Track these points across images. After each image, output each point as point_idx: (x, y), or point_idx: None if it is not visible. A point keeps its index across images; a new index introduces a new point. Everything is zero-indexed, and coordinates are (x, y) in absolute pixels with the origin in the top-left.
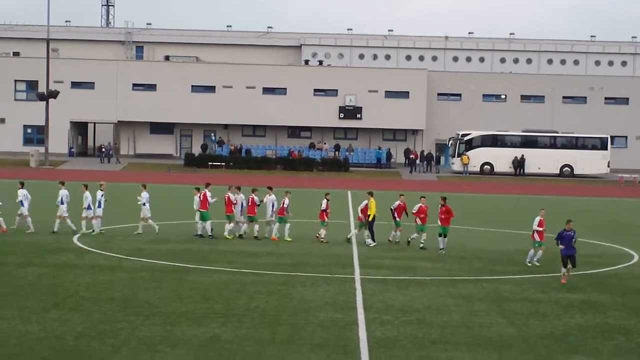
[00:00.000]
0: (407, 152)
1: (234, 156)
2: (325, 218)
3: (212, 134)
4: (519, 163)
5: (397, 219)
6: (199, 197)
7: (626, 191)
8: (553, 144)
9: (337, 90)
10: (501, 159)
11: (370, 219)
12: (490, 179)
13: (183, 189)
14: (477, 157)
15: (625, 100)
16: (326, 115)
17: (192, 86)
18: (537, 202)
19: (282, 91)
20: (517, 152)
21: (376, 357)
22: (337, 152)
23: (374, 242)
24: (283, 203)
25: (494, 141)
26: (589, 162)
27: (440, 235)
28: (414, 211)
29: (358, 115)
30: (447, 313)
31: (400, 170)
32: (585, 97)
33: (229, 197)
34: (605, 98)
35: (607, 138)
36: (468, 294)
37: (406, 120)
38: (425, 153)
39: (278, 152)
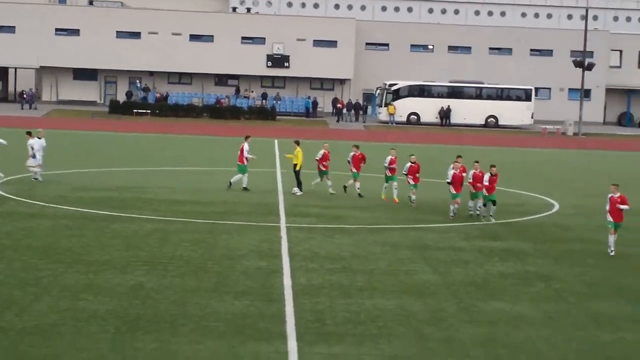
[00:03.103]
0: (334, 102)
1: (160, 104)
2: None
3: (138, 81)
4: (444, 113)
5: (355, 171)
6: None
7: (549, 142)
8: (478, 94)
9: (264, 38)
10: (427, 109)
11: (298, 168)
12: (416, 128)
13: (107, 136)
14: (404, 107)
15: (549, 53)
16: (254, 63)
17: (117, 32)
18: (462, 151)
19: (209, 38)
20: (443, 103)
21: (300, 305)
22: (264, 101)
23: (301, 191)
24: (241, 149)
25: (421, 91)
26: (513, 113)
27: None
28: (386, 164)
29: (286, 64)
30: (373, 261)
31: (328, 120)
32: (511, 49)
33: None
34: (531, 50)
35: (531, 89)
36: (394, 242)
37: (334, 70)
38: (352, 102)
39: (205, 100)
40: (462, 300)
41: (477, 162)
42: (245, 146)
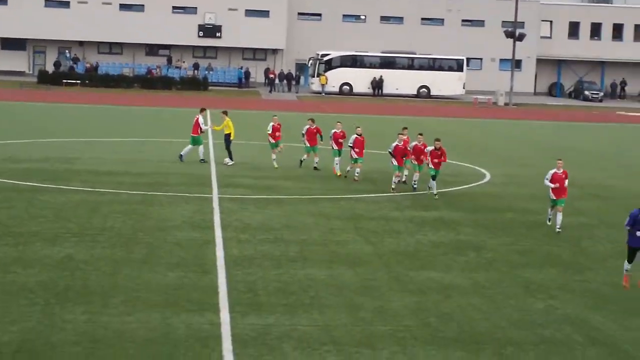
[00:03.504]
0: (266, 72)
1: (90, 74)
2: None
3: (67, 52)
4: (377, 84)
5: (308, 145)
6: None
7: (480, 112)
8: (411, 65)
9: (196, 8)
10: (360, 79)
11: (232, 137)
12: (348, 99)
13: (36, 107)
14: (336, 77)
15: (481, 23)
16: (185, 33)
17: (46, 1)
18: (395, 122)
19: (140, 8)
20: (376, 73)
21: (233, 275)
22: (196, 71)
23: (232, 161)
24: (196, 120)
25: (353, 62)
26: (445, 83)
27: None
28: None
29: (218, 34)
30: (305, 231)
31: (260, 90)
32: (443, 19)
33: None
34: (462, 20)
35: (463, 60)
36: (326, 213)
37: (266, 40)
38: (285, 73)
39: (136, 70)
40: (394, 270)
41: (420, 134)
42: (200, 118)
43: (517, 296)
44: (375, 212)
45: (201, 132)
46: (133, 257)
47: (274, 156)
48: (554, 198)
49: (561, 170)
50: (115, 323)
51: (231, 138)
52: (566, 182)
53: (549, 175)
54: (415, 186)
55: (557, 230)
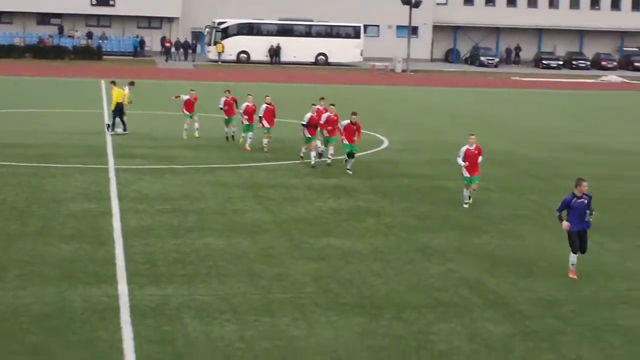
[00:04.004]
0: (162, 41)
1: None
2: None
3: None
4: (274, 51)
5: (226, 117)
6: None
7: (378, 79)
8: (308, 32)
9: None
10: (257, 47)
11: (113, 107)
12: (246, 67)
13: None
14: (233, 45)
15: None
16: (77, 1)
17: None
18: (293, 89)
19: None
20: (273, 41)
21: (130, 246)
22: (90, 40)
23: (125, 131)
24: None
25: (250, 29)
26: (342, 51)
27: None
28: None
29: (111, 2)
30: (202, 200)
31: (156, 59)
32: None
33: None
34: None
35: (360, 27)
36: (224, 182)
37: (161, 8)
38: (181, 41)
39: (27, 40)
40: (294, 237)
41: (332, 104)
42: (126, 90)
43: (415, 261)
44: (274, 180)
45: (128, 103)
46: (27, 231)
47: (197, 125)
48: (468, 176)
49: (474, 147)
50: (9, 297)
51: (116, 107)
52: (480, 158)
53: (461, 152)
54: (329, 161)
55: (465, 204)
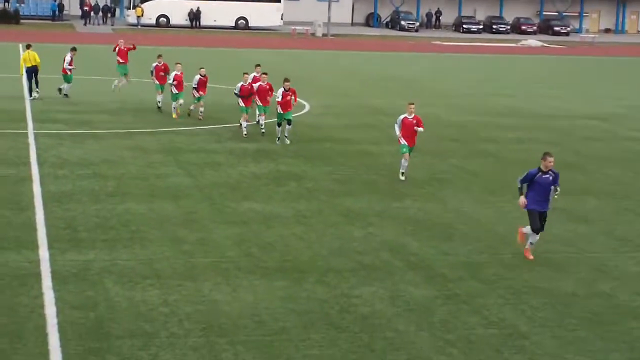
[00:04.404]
0: (81, 4)
1: None
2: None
3: None
4: (194, 15)
5: (157, 82)
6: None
7: (299, 43)
8: None
9: None
10: (177, 11)
11: (25, 70)
12: (166, 31)
13: None
14: (153, 9)
15: None
16: None
17: None
18: (213, 54)
19: None
20: (193, 4)
21: (51, 212)
22: (7, 4)
23: (37, 94)
24: (64, 60)
25: None
26: (263, 15)
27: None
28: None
29: None
30: (123, 165)
31: (75, 23)
32: None
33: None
34: None
35: None
36: (145, 147)
37: None
38: (100, 5)
39: None
40: (216, 202)
41: (265, 73)
42: (67, 57)
43: (337, 224)
44: (195, 145)
45: (69, 71)
46: None
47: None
48: (405, 144)
49: (412, 116)
50: None
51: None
52: (420, 129)
53: (399, 121)
54: (263, 130)
55: (402, 177)
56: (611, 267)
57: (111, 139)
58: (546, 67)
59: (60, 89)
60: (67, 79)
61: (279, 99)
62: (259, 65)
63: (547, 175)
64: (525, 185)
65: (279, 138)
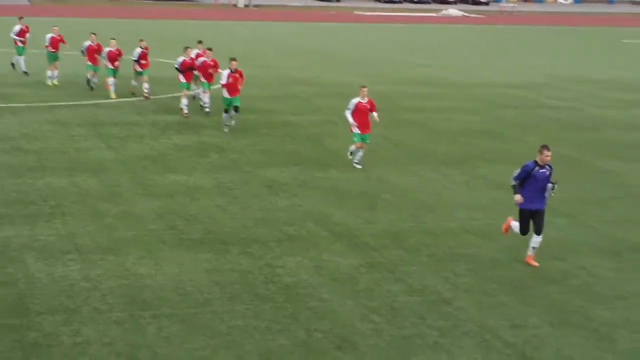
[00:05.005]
0: None
1: None
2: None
3: None
4: None
5: (89, 64)
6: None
7: (220, 14)
8: None
9: None
10: None
11: None
12: (82, 1)
13: None
14: None
15: None
16: None
17: None
18: (131, 25)
19: None
20: None
21: None
22: None
23: None
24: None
25: None
26: None
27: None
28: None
29: None
30: (43, 139)
31: None
32: None
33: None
34: None
35: None
36: (65, 120)
37: None
38: None
39: None
40: (138, 175)
41: (210, 49)
42: (16, 28)
43: (262, 195)
44: (116, 118)
45: (20, 43)
46: None
47: (49, 73)
48: (359, 133)
49: (366, 100)
50: None
51: None
52: (374, 113)
53: (351, 105)
54: (207, 109)
55: (356, 164)
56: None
57: (31, 113)
58: (466, 37)
59: (13, 64)
60: (18, 51)
61: (224, 81)
62: (200, 41)
63: (544, 170)
64: (518, 182)
65: (227, 125)
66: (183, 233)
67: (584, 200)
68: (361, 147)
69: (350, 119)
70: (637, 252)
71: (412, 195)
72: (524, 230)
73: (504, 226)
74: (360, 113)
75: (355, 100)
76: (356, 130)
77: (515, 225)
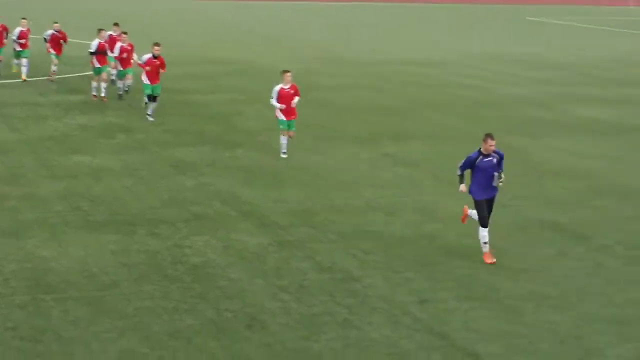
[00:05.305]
0: None
1: None
2: None
3: None
4: None
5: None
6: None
7: None
8: None
9: None
10: None
11: None
12: None
13: None
14: None
15: None
16: None
17: None
18: (37, 2)
19: None
20: None
21: None
22: None
23: None
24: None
25: None
26: None
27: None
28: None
29: None
30: None
31: None
32: None
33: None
34: None
35: None
36: None
37: None
38: None
39: None
40: (41, 156)
41: (125, 32)
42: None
43: (169, 175)
44: (18, 98)
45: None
46: None
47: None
48: (284, 119)
49: (289, 85)
50: None
51: None
52: (296, 99)
53: (274, 93)
54: (126, 90)
55: (283, 153)
56: (437, 209)
57: None
58: (376, 15)
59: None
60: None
61: (143, 63)
62: (117, 24)
63: (490, 158)
64: (464, 172)
65: (149, 114)
66: (88, 214)
67: None
68: (288, 135)
69: (277, 105)
70: (542, 227)
71: (320, 174)
72: (483, 221)
73: (462, 216)
74: (284, 99)
75: (277, 88)
76: (281, 117)
77: (473, 213)
